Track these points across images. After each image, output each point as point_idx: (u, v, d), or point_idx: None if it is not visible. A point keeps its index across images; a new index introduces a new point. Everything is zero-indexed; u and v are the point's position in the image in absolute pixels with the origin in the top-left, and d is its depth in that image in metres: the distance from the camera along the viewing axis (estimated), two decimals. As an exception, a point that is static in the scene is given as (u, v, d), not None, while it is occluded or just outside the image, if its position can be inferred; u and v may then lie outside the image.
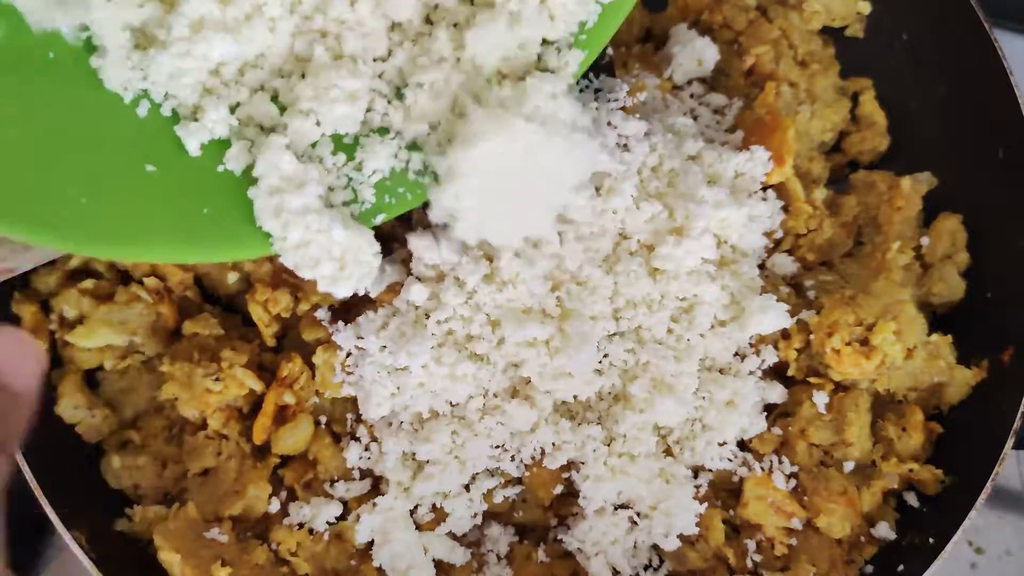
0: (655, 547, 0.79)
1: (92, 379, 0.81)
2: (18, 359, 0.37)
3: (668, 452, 0.79)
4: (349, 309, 0.79)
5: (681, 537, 0.77)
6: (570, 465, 0.78)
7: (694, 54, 0.90)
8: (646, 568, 0.80)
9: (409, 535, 0.77)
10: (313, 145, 0.67)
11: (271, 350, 0.81)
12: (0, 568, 0.31)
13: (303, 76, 0.67)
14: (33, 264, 0.73)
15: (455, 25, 0.68)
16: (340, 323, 0.78)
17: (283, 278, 0.79)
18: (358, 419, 0.79)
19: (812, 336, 0.80)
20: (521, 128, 0.65)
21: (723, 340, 0.79)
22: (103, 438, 0.79)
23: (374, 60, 0.68)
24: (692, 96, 0.91)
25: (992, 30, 0.86)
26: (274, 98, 0.68)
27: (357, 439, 0.78)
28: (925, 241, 0.87)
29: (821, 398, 0.79)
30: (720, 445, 0.79)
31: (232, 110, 0.66)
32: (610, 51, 0.93)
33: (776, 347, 0.81)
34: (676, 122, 0.84)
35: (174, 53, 0.63)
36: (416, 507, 0.78)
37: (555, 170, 0.68)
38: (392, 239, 0.79)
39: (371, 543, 0.77)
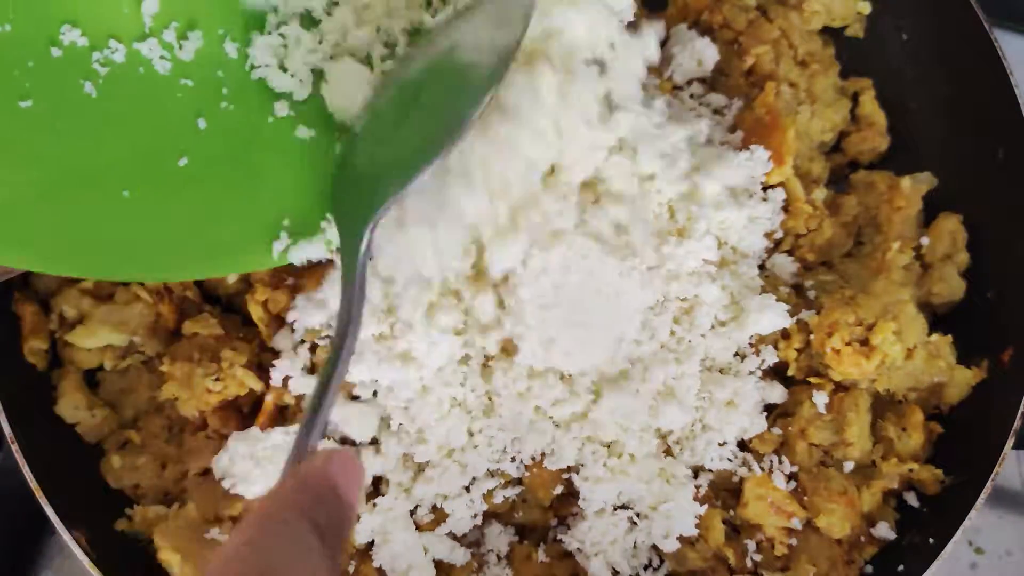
0: (655, 547, 0.79)
1: (92, 379, 0.81)
2: (350, 476, 0.43)
3: (668, 452, 0.79)
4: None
5: (681, 538, 0.77)
6: (570, 466, 0.78)
7: (694, 54, 0.90)
8: (646, 568, 0.79)
9: (409, 535, 0.77)
10: None
11: (271, 350, 0.81)
12: None
13: None
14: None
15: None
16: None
17: (283, 278, 0.79)
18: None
19: (812, 336, 0.80)
20: (580, 243, 0.70)
21: (723, 340, 0.79)
22: (103, 438, 0.79)
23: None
24: (692, 96, 0.91)
25: (992, 30, 0.86)
26: None
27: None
28: (925, 241, 0.87)
29: (821, 398, 0.79)
30: (720, 445, 0.79)
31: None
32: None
33: (776, 347, 0.81)
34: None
35: None
36: (416, 507, 0.78)
37: (615, 293, 0.72)
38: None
39: (371, 543, 0.77)
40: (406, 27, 0.74)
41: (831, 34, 0.97)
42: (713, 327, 0.79)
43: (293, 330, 0.77)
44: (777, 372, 0.82)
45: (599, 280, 0.71)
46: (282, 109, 0.72)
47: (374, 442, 0.78)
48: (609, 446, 0.77)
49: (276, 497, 0.40)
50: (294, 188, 0.71)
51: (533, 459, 0.77)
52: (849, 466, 0.79)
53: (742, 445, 0.81)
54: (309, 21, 0.74)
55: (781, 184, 0.84)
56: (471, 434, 0.76)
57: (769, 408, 0.81)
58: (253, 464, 0.73)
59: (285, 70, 0.73)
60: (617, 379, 0.76)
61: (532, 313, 0.71)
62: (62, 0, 0.64)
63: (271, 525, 0.38)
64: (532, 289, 0.70)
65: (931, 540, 0.75)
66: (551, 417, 0.76)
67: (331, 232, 0.69)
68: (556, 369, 0.74)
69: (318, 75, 0.74)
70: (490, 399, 0.76)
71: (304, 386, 0.75)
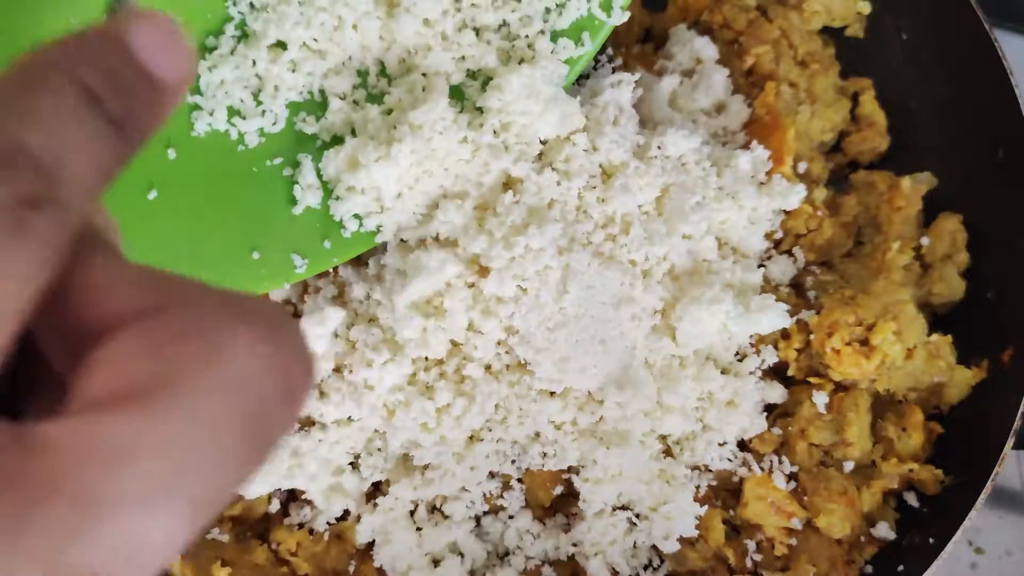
0: (655, 547, 0.79)
1: (92, 379, 0.80)
2: (161, 40, 0.29)
3: (668, 452, 0.79)
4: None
5: (681, 538, 0.77)
6: (571, 467, 0.78)
7: (693, 54, 0.90)
8: (645, 568, 0.79)
9: (410, 535, 0.77)
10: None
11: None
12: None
13: None
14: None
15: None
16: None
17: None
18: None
19: (812, 336, 0.80)
20: (577, 259, 0.71)
21: (723, 340, 0.79)
22: (103, 438, 0.79)
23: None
24: (692, 96, 0.91)
25: (992, 30, 0.86)
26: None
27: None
28: (925, 241, 0.87)
29: (821, 398, 0.79)
30: (720, 445, 0.79)
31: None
32: (610, 51, 0.93)
33: (776, 347, 0.81)
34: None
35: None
36: (416, 507, 0.78)
37: (619, 302, 0.72)
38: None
39: (371, 543, 0.77)
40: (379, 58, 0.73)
41: (831, 34, 0.96)
42: (713, 327, 0.79)
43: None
44: (777, 372, 0.82)
45: (601, 292, 0.71)
46: (252, 139, 0.71)
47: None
48: (610, 448, 0.77)
49: (38, 52, 0.27)
50: (263, 221, 0.70)
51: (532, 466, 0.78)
52: (849, 466, 0.79)
53: (742, 445, 0.81)
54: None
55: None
56: (472, 439, 0.76)
57: (769, 408, 0.81)
58: (253, 464, 0.73)
59: (259, 103, 0.71)
60: (631, 386, 0.76)
61: (542, 336, 0.71)
62: (30, 30, 0.63)
63: (18, 80, 0.26)
64: (538, 313, 0.70)
65: (931, 540, 0.75)
66: (558, 426, 0.76)
67: (301, 267, 0.69)
68: (574, 389, 0.74)
69: (292, 107, 0.72)
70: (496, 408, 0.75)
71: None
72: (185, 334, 0.24)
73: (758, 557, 0.78)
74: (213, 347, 0.23)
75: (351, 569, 0.77)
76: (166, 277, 0.26)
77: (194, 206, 0.68)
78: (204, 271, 0.67)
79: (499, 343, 0.73)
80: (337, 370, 0.76)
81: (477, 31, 0.72)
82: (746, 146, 0.83)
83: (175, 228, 0.67)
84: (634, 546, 0.79)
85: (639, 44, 0.95)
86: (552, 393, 0.74)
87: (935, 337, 0.81)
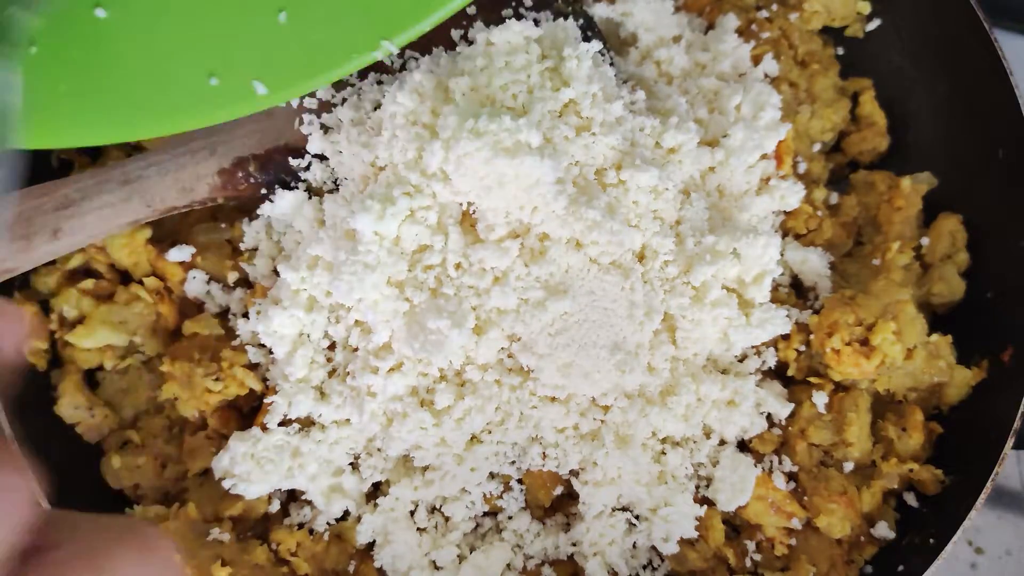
0: (654, 547, 0.79)
1: (92, 379, 0.81)
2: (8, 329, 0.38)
3: (667, 454, 0.79)
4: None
5: (681, 539, 0.77)
6: (572, 469, 0.78)
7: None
8: (645, 567, 0.79)
9: (410, 536, 0.77)
10: None
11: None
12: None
13: None
14: (33, 264, 0.73)
15: None
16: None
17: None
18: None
19: (812, 336, 0.80)
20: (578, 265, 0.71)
21: (724, 342, 0.79)
22: (103, 438, 0.79)
23: None
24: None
25: (992, 30, 0.86)
26: None
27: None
28: (925, 241, 0.87)
29: (821, 398, 0.79)
30: (720, 445, 0.79)
31: None
32: (612, 53, 0.93)
33: (776, 347, 0.81)
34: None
35: None
36: (416, 508, 0.78)
37: (620, 308, 0.71)
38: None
39: (372, 543, 0.77)
40: None
41: (831, 34, 0.97)
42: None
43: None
44: (777, 372, 0.82)
45: (603, 299, 0.71)
46: None
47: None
48: (611, 452, 0.77)
49: None
50: (222, 42, 0.63)
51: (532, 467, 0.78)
52: (849, 466, 0.79)
53: (742, 445, 0.81)
54: None
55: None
56: (473, 439, 0.76)
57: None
58: (253, 464, 0.73)
59: None
60: (634, 393, 0.76)
61: (545, 342, 0.71)
62: None
63: None
64: (540, 319, 0.70)
65: (931, 540, 0.75)
66: (560, 430, 0.76)
67: (264, 92, 0.63)
68: (577, 395, 0.74)
69: None
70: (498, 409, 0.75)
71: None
72: (72, 561, 0.33)
73: (758, 557, 0.78)
74: (97, 570, 0.33)
75: (351, 569, 0.77)
76: (57, 519, 0.35)
77: (146, 24, 0.62)
78: (158, 97, 0.61)
79: (501, 348, 0.73)
80: (334, 372, 0.76)
81: None
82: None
83: (126, 50, 0.61)
84: (634, 546, 0.79)
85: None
86: (554, 399, 0.74)
87: (935, 337, 0.81)
